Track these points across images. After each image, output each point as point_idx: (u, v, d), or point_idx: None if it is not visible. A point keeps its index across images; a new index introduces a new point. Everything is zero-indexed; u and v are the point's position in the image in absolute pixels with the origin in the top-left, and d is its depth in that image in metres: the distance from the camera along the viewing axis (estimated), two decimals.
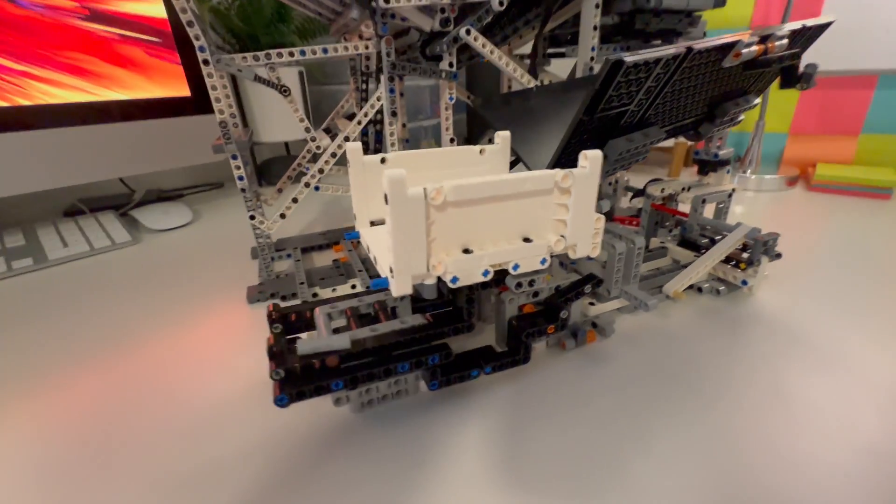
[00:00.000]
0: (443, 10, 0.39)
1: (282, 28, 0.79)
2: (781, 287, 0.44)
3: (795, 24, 0.36)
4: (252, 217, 0.43)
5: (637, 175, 0.89)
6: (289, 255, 0.55)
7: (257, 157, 0.93)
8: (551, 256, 0.28)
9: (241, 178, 0.42)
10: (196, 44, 0.36)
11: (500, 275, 0.30)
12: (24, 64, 0.55)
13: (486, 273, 0.26)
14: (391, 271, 0.23)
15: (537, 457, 0.26)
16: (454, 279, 0.25)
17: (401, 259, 0.23)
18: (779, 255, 0.42)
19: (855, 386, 0.31)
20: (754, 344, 0.35)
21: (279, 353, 0.26)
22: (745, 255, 0.41)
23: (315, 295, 0.45)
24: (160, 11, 0.63)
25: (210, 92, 0.38)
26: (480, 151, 0.34)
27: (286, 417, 0.30)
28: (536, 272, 0.29)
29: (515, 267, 0.26)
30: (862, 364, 0.33)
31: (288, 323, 0.31)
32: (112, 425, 0.30)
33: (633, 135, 0.35)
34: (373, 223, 0.33)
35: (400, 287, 0.23)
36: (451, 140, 0.45)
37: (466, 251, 0.25)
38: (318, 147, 0.44)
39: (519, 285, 0.29)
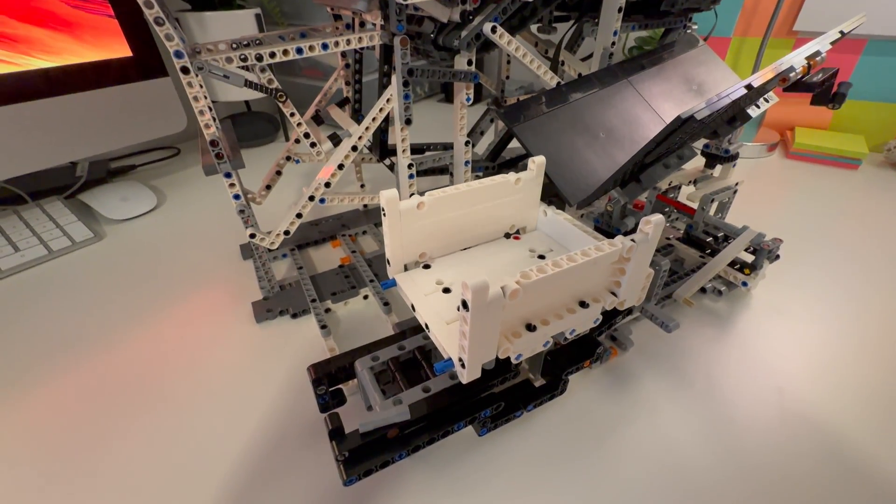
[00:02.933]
0: (464, 1, 0.33)
1: None
2: (775, 280, 0.47)
3: (833, 34, 0.35)
4: (252, 236, 0.39)
5: None
6: (284, 256, 0.52)
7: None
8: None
9: (236, 197, 0.37)
10: (171, 48, 0.30)
11: None
12: None
13: (546, 344, 0.25)
14: (461, 362, 0.23)
15: (587, 489, 0.29)
16: (518, 356, 0.25)
17: (475, 353, 0.22)
18: (777, 257, 0.44)
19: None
20: (760, 349, 0.39)
21: (339, 431, 0.26)
22: (748, 261, 0.43)
23: (328, 310, 0.44)
24: None
25: (193, 104, 0.32)
26: (516, 181, 0.32)
27: (327, 455, 0.30)
28: None
29: (572, 331, 0.26)
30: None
31: (329, 376, 0.30)
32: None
33: (670, 160, 0.34)
34: (406, 267, 0.31)
35: (471, 375, 0.23)
36: (467, 143, 0.41)
37: (529, 327, 0.24)
38: (318, 153, 0.40)
39: (566, 339, 0.30)
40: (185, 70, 0.31)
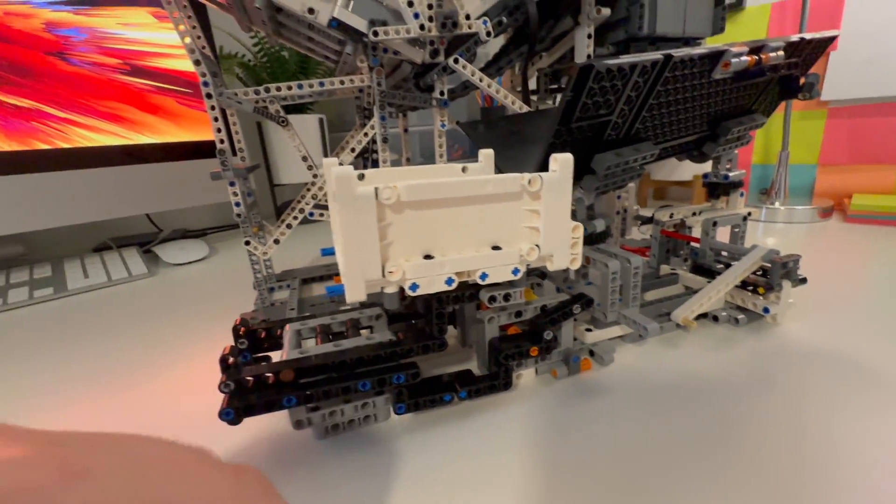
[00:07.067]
0: (432, 43, 0.40)
1: (302, 79, 0.85)
2: (814, 318, 0.39)
3: (793, 37, 0.35)
4: (247, 242, 0.44)
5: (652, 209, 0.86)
6: (288, 286, 0.55)
7: (278, 199, 0.97)
8: (527, 268, 0.26)
9: (237, 205, 0.43)
10: (201, 79, 0.39)
11: (477, 289, 0.28)
12: (67, 112, 0.61)
13: (449, 281, 0.24)
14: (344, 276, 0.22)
15: (504, 490, 0.23)
16: (413, 286, 0.23)
17: (352, 262, 0.22)
18: (804, 280, 0.37)
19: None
20: (774, 380, 0.31)
21: (233, 364, 0.25)
22: (763, 280, 0.37)
23: None
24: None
25: (212, 123, 0.40)
26: (463, 169, 0.34)
27: (241, 437, 0.28)
28: (511, 285, 0.27)
29: (483, 276, 0.25)
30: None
31: (257, 339, 0.30)
32: None
33: (623, 149, 0.34)
34: None
35: (353, 293, 0.22)
36: None
37: (428, 257, 0.24)
38: (314, 175, 0.45)
39: (493, 299, 0.27)
40: (209, 95, 0.39)
